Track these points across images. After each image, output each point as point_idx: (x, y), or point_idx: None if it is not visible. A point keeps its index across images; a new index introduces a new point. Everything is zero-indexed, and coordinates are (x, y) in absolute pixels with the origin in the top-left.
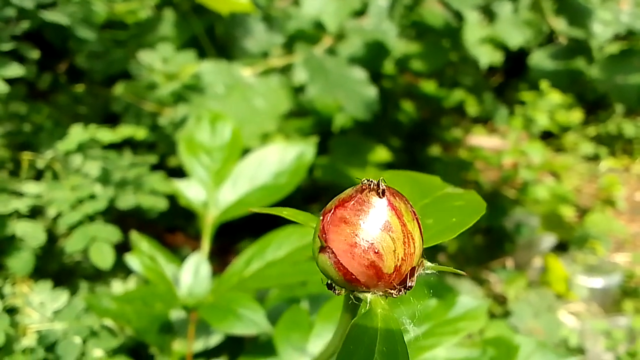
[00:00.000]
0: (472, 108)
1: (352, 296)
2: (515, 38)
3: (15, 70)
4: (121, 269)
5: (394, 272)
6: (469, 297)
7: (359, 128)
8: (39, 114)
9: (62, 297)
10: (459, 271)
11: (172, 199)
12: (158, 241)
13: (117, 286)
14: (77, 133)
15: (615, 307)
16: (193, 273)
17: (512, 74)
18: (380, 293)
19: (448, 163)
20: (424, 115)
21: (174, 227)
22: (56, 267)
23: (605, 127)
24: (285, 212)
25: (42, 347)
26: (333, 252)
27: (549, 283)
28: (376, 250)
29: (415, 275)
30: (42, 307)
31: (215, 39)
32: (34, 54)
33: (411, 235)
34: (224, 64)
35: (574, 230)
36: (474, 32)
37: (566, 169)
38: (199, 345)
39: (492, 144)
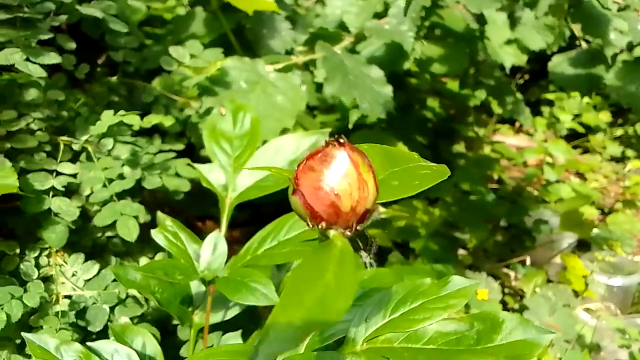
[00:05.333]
0: (498, 107)
1: (320, 231)
2: (537, 42)
3: (52, 58)
4: (149, 248)
5: (350, 211)
6: (461, 277)
7: (383, 124)
8: (75, 101)
9: (93, 269)
10: (405, 215)
11: (206, 189)
12: (189, 227)
13: (145, 263)
14: (108, 118)
15: (634, 307)
16: (211, 249)
17: (539, 74)
18: (341, 230)
19: (472, 160)
20: (450, 113)
21: (204, 215)
22: (89, 244)
23: (633, 129)
24: (273, 170)
25: (73, 313)
26: (302, 194)
27: (568, 281)
28: (336, 193)
29: (370, 216)
30: (74, 277)
31: (243, 37)
32: (71, 45)
33: (365, 183)
34: (247, 60)
35: (595, 230)
36: (499, 34)
37: (592, 169)
38: (217, 317)
39: (518, 143)
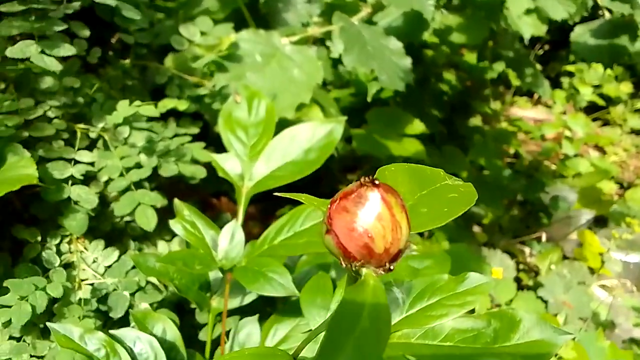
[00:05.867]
0: (516, 79)
1: (352, 270)
2: (559, 12)
3: (67, 50)
4: (166, 231)
5: (383, 252)
6: (478, 274)
7: (399, 99)
8: (90, 87)
9: (113, 255)
10: (434, 252)
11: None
12: (204, 205)
13: (163, 246)
14: (124, 108)
15: None
16: (229, 239)
17: (560, 45)
18: (373, 268)
19: (488, 134)
20: (466, 86)
21: (219, 192)
22: (108, 228)
23: None
24: (304, 198)
25: (95, 299)
26: (336, 234)
27: (584, 258)
28: (369, 235)
29: (402, 254)
30: (95, 263)
31: (258, 12)
32: (85, 33)
33: (399, 224)
34: (262, 33)
35: (612, 206)
36: (519, 3)
37: (612, 143)
38: (234, 303)
39: (536, 116)
